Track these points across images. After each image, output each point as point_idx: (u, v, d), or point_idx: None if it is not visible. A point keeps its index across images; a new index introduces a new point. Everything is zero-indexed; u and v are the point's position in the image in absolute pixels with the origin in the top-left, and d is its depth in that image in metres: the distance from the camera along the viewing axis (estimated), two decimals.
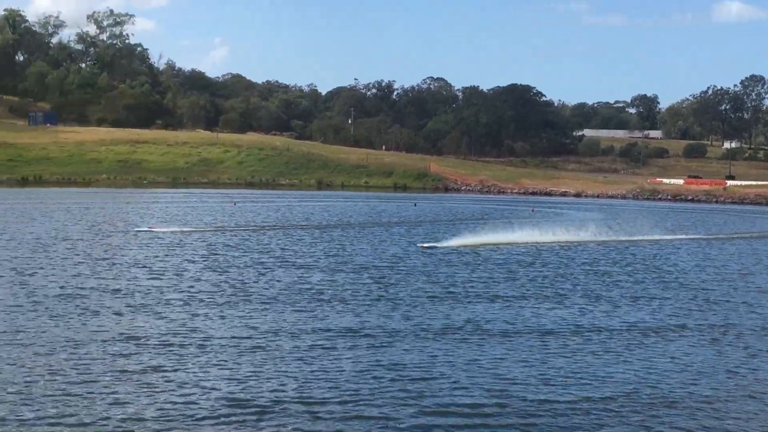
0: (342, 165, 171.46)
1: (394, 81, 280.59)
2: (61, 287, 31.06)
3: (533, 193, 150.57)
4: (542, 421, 17.62)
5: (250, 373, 19.90)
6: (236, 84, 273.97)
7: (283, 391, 18.64)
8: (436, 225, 66.87)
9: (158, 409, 17.16)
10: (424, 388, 19.32)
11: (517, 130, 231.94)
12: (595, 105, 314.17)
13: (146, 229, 54.02)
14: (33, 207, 74.67)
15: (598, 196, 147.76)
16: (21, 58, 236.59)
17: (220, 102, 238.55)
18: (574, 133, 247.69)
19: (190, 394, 18.15)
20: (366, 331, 24.94)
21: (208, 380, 19.22)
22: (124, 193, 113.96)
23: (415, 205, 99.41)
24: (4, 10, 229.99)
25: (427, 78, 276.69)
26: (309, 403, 17.86)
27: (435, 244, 48.02)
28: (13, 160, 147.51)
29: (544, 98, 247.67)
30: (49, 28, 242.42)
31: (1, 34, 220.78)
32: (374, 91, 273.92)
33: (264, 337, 23.63)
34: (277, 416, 17.04)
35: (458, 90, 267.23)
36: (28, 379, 18.93)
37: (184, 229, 55.41)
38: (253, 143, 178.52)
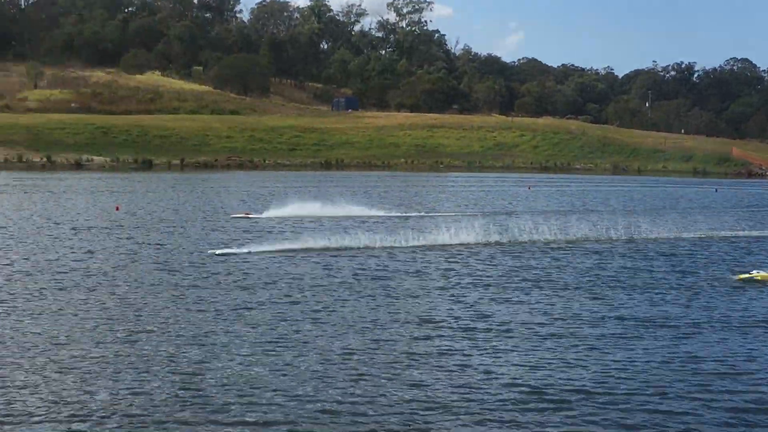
0: (638, 149, 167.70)
1: (694, 62, 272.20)
2: (361, 268, 32.21)
3: None
4: None
5: (543, 361, 19.64)
6: (531, 68, 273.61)
7: (576, 380, 18.25)
8: (738, 213, 63.84)
9: (450, 393, 17.24)
10: (725, 384, 18.38)
11: None
12: None
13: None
14: (335, 189, 77.81)
15: None
16: (325, 47, 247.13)
17: (515, 86, 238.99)
18: None
19: (481, 380, 18.11)
20: (664, 320, 24.11)
21: (501, 366, 19.13)
22: (421, 177, 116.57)
23: (716, 191, 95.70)
24: (310, 0, 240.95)
25: (731, 59, 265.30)
26: (600, 394, 17.37)
27: (231, 250, 36.00)
28: (318, 144, 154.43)
29: None
30: (352, 16, 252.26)
31: (307, 24, 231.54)
32: (673, 73, 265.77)
33: (558, 324, 23.33)
34: (567, 406, 16.71)
35: (764, 71, 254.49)
36: (324, 358, 19.56)
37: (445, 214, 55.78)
38: (547, 127, 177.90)
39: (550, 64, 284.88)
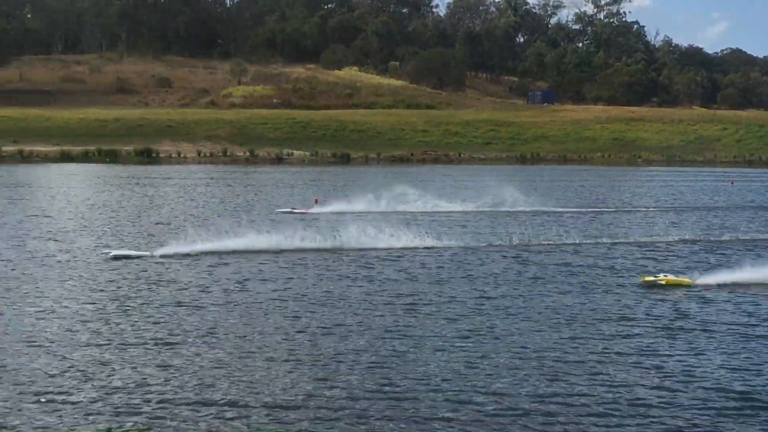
0: None
1: None
2: (555, 263, 31.77)
3: None
4: None
5: (747, 363, 18.64)
6: (735, 59, 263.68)
7: None
8: None
9: (648, 395, 16.65)
10: None
11: None
12: None
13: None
14: (530, 184, 77.33)
15: None
16: (521, 40, 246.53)
17: (718, 77, 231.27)
18: None
19: (680, 382, 17.38)
20: None
21: (702, 368, 18.32)
22: (617, 171, 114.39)
23: None
24: None
25: None
26: None
27: (128, 252, 32.23)
28: (513, 138, 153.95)
29: None
30: (548, 9, 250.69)
31: (503, 18, 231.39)
32: None
33: (765, 325, 22.23)
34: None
35: None
36: (518, 355, 19.25)
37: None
38: (752, 120, 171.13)
39: (755, 55, 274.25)
